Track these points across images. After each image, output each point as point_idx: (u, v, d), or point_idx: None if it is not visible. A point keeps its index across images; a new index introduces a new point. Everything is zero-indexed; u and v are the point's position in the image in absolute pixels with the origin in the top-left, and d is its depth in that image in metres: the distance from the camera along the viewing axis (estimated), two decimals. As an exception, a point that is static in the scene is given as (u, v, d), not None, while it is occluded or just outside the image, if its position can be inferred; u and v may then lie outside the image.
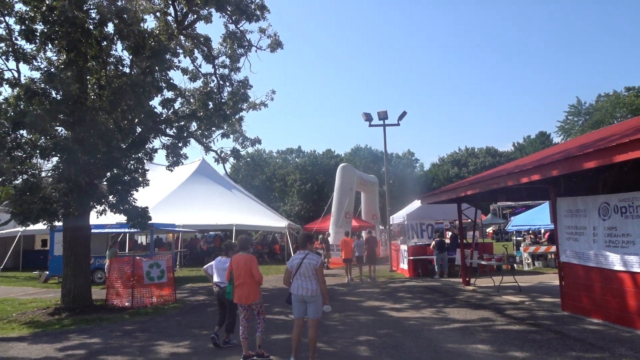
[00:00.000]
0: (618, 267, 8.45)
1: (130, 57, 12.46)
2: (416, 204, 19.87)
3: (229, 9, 15.58)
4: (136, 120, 12.98)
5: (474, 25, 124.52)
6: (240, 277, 6.92)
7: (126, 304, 12.36)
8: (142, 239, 31.70)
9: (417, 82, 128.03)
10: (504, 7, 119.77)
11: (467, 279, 14.84)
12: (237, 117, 17.04)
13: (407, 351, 7.24)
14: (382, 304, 11.92)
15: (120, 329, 9.49)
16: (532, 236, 23.41)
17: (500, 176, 10.26)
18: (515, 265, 19.51)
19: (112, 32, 11.84)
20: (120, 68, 12.74)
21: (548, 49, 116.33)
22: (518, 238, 23.71)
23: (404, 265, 18.91)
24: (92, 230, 18.18)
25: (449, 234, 20.43)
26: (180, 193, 28.82)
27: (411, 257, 18.18)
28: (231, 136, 17.33)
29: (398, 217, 22.32)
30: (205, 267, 8.52)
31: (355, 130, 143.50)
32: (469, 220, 16.11)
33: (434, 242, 17.60)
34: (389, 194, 22.62)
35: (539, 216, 21.68)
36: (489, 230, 42.80)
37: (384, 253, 25.01)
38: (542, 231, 24.61)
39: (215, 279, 8.03)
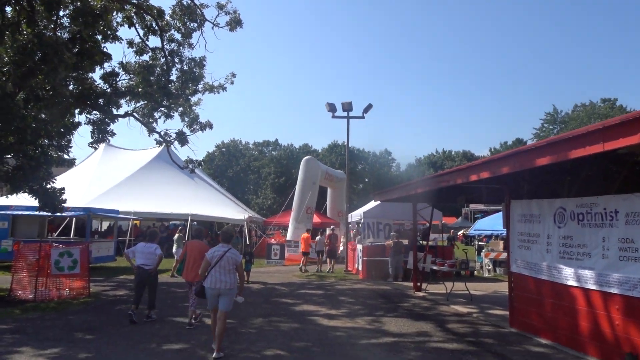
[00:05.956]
0: (571, 282, 7.35)
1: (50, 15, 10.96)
2: (375, 201, 18.69)
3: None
4: (53, 88, 11.41)
5: (456, 27, 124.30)
6: (194, 260, 8.28)
7: (30, 296, 10.89)
8: (104, 225, 29.78)
9: (400, 81, 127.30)
10: (490, 11, 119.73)
11: (419, 285, 13.71)
12: (191, 98, 15.81)
13: (313, 373, 6.02)
14: (317, 308, 10.68)
15: (-9, 328, 8.04)
16: (502, 241, 22.40)
17: (449, 173, 9.10)
18: (475, 271, 18.57)
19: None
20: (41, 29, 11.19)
21: (528, 55, 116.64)
22: (480, 243, 22.72)
23: (359, 266, 17.75)
24: (18, 212, 16.78)
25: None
26: (138, 179, 27.15)
27: (365, 258, 17.01)
28: (186, 119, 16.02)
29: (356, 215, 21.11)
30: (126, 251, 9.49)
31: (335, 127, 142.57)
32: (440, 222, 15.01)
33: (390, 242, 16.48)
34: (349, 189, 21.39)
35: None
36: (460, 233, 42.06)
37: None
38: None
39: (138, 261, 8.73)
